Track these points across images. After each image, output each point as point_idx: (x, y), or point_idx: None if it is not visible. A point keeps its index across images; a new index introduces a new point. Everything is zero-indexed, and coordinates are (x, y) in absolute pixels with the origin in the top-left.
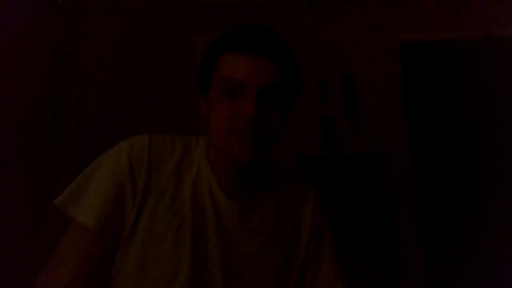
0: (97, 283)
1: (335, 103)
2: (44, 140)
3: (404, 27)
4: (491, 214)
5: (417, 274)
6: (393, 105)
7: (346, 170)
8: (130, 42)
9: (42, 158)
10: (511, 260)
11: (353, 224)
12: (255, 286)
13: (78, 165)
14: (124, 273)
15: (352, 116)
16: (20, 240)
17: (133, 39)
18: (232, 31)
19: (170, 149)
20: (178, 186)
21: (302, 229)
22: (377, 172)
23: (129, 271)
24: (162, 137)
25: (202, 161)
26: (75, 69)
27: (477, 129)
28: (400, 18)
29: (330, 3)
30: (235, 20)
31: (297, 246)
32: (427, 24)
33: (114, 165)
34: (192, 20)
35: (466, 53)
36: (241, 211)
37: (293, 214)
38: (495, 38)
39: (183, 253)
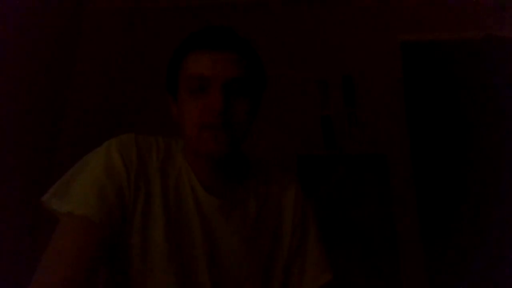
0: (96, 279)
1: (335, 103)
2: (44, 139)
3: (404, 27)
4: (491, 214)
5: (417, 274)
6: (393, 105)
7: (346, 170)
8: (130, 42)
9: (42, 157)
10: (511, 260)
11: (353, 224)
12: (242, 279)
13: None
14: (127, 270)
15: (352, 116)
16: (20, 240)
17: (133, 39)
18: (194, 33)
19: (155, 149)
20: (163, 184)
21: (284, 222)
22: (377, 172)
23: (131, 268)
24: (146, 137)
25: (182, 161)
26: (75, 68)
27: (477, 129)
28: (400, 18)
29: (330, 3)
30: (235, 20)
31: (280, 239)
32: (427, 24)
33: (106, 158)
34: (192, 20)
35: (466, 53)
36: (222, 207)
37: (274, 208)
38: (494, 39)
39: (173, 247)
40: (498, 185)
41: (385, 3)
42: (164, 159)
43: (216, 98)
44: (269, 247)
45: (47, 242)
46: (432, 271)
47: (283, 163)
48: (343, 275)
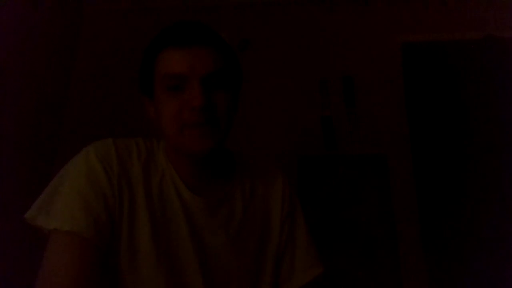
0: None
1: (335, 103)
2: (44, 139)
3: (405, 27)
4: (491, 213)
5: (417, 274)
6: (394, 105)
7: (346, 170)
8: (130, 42)
9: (43, 157)
10: (511, 260)
11: (353, 224)
12: (232, 276)
13: None
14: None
15: (352, 116)
16: (20, 241)
17: (133, 39)
18: (163, 31)
19: (136, 152)
20: (147, 187)
21: (272, 217)
22: (377, 172)
23: (120, 272)
24: (125, 140)
25: (165, 162)
26: (75, 69)
27: (477, 129)
28: (400, 18)
29: (330, 3)
30: (235, 21)
31: (268, 235)
32: (427, 25)
33: (86, 166)
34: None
35: (467, 53)
36: (207, 206)
37: (261, 204)
38: (495, 39)
39: (160, 250)
40: (498, 185)
41: (386, 3)
42: (146, 162)
43: (195, 95)
44: (258, 242)
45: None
46: (432, 271)
47: (283, 164)
48: (343, 275)
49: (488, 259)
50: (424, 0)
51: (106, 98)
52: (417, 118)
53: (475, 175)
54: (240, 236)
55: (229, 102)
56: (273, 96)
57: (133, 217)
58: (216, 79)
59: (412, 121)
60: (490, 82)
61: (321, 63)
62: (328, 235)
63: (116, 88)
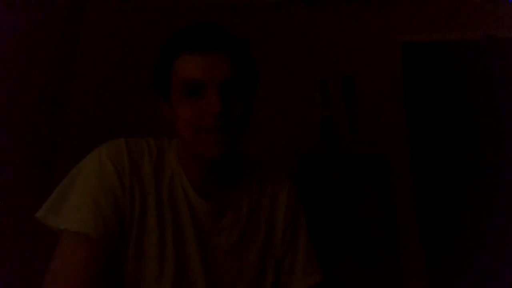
0: None
1: (335, 103)
2: (44, 140)
3: (405, 27)
4: (492, 214)
5: (417, 274)
6: (393, 105)
7: (346, 170)
8: (130, 42)
9: (42, 158)
10: (511, 260)
11: (353, 224)
12: (236, 281)
13: None
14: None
15: (352, 116)
16: (20, 241)
17: (134, 39)
18: (182, 33)
19: (147, 152)
20: (157, 188)
21: (277, 223)
22: (377, 172)
23: (126, 272)
24: (136, 140)
25: (175, 162)
26: (75, 69)
27: (477, 129)
28: (400, 18)
29: (331, 3)
30: (235, 21)
31: (272, 240)
32: (427, 25)
33: (97, 167)
34: (192, 20)
35: (466, 53)
36: (213, 210)
37: (267, 209)
38: (495, 39)
39: (167, 253)
40: (498, 184)
41: (385, 3)
42: (157, 163)
43: (213, 101)
44: (262, 247)
45: (47, 243)
46: (432, 271)
47: (283, 164)
48: (343, 275)
49: (488, 259)
50: (424, 0)
51: (106, 98)
52: (417, 118)
53: (475, 175)
54: (244, 241)
55: (244, 107)
56: (273, 96)
57: (143, 220)
58: (233, 85)
59: (412, 121)
60: (490, 82)
61: (321, 63)
62: (328, 235)
63: (117, 88)
